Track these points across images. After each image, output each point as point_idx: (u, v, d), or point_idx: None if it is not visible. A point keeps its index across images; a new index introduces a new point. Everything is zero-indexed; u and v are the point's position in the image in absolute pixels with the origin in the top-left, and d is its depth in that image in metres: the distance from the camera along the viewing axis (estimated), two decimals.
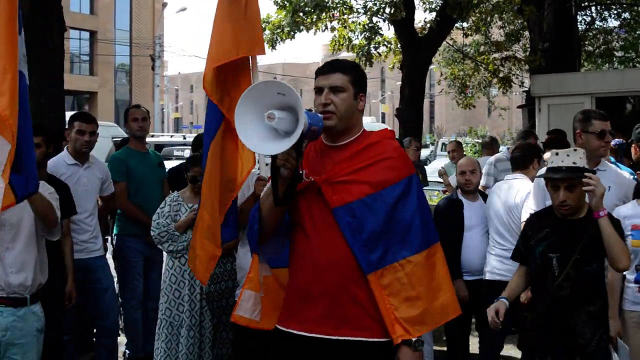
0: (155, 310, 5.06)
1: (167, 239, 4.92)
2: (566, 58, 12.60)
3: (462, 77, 18.06)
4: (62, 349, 4.87)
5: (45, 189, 3.81)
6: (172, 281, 4.89)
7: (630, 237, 3.83)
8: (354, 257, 2.69)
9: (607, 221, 3.38)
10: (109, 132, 14.71)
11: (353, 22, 12.69)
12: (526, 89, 16.35)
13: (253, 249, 2.85)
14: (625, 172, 4.49)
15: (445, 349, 5.63)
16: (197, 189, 5.05)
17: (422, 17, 18.44)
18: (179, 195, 5.09)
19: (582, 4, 16.67)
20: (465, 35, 14.78)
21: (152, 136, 25.17)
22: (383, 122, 54.28)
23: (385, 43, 13.16)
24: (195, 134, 7.21)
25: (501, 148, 11.21)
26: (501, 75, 15.75)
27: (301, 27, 12.14)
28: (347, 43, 12.81)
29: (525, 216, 4.21)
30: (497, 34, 18.50)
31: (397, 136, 10.15)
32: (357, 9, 12.55)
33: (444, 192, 8.87)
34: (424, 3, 14.29)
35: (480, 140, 25.70)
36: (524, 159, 5.23)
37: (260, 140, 2.53)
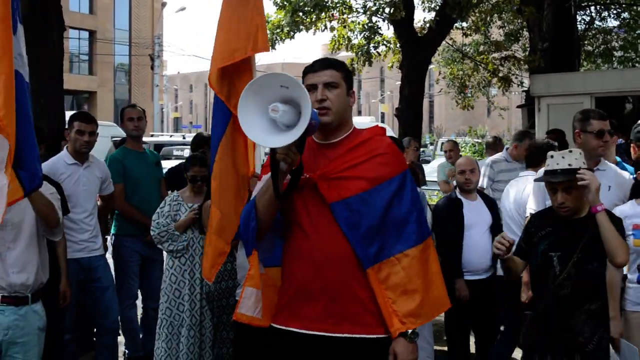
0: (156, 310, 5.06)
1: (167, 239, 4.93)
2: (565, 58, 12.61)
3: (461, 77, 18.07)
4: (62, 348, 4.88)
5: (47, 189, 3.82)
6: (173, 281, 4.89)
7: (631, 236, 3.83)
8: (353, 253, 2.70)
9: (604, 216, 3.38)
10: (108, 132, 14.70)
11: (352, 21, 12.70)
12: (525, 88, 16.37)
13: (251, 246, 2.81)
14: (625, 172, 4.50)
15: (445, 348, 5.63)
16: (197, 189, 5.07)
17: (421, 16, 18.46)
18: (178, 195, 5.09)
19: (582, 4, 16.68)
20: (465, 35, 14.79)
21: (152, 136, 25.22)
22: (382, 121, 54.18)
23: (385, 43, 13.17)
24: (195, 134, 7.19)
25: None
26: (501, 75, 15.76)
27: (301, 27, 12.15)
28: (346, 42, 12.82)
29: (526, 216, 4.22)
30: (496, 33, 18.52)
31: (396, 136, 10.20)
32: (356, 8, 12.57)
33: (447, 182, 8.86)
34: (423, 3, 14.30)
35: (480, 140, 25.73)
36: (536, 156, 5.23)
37: (262, 132, 2.52)
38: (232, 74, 4.00)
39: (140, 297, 6.01)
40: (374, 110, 70.35)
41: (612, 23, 19.58)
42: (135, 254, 5.76)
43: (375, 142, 2.85)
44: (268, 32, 12.15)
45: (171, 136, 27.67)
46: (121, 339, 5.70)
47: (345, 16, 12.47)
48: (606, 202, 3.53)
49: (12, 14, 3.29)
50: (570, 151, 3.54)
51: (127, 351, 5.81)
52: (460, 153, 10.13)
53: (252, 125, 2.52)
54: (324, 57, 2.98)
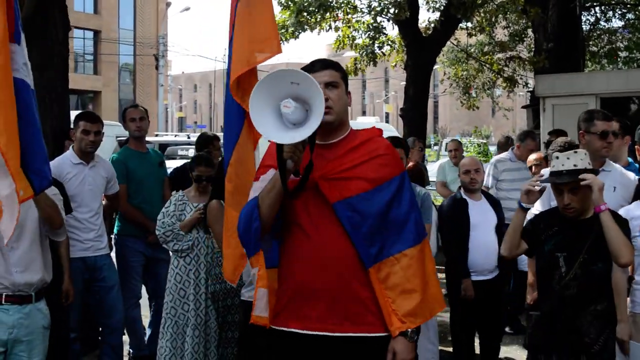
0: None
1: (172, 238, 4.94)
2: (570, 58, 12.60)
3: (465, 77, 18.05)
4: (67, 347, 4.89)
5: (50, 190, 3.83)
6: (178, 280, 4.90)
7: (638, 237, 3.81)
8: (355, 253, 2.71)
9: (608, 215, 3.38)
10: (112, 131, 14.72)
11: (357, 20, 12.69)
12: (530, 89, 16.34)
13: (254, 247, 2.78)
14: (630, 173, 4.48)
15: (450, 349, 5.63)
16: (202, 189, 5.07)
17: (426, 16, 18.43)
18: (184, 195, 5.10)
19: (587, 5, 16.65)
20: (470, 35, 14.77)
21: (156, 135, 25.26)
22: (387, 122, 54.17)
23: (389, 43, 13.16)
24: (199, 133, 7.19)
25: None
26: (505, 75, 15.74)
27: (305, 27, 12.14)
28: (350, 42, 12.82)
29: (530, 217, 4.20)
30: (501, 34, 18.48)
31: (401, 136, 10.19)
32: (361, 8, 12.56)
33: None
34: (428, 3, 14.28)
35: (485, 141, 25.73)
36: None
37: (273, 128, 2.52)
38: (246, 74, 4.00)
39: (147, 296, 6.02)
40: (378, 111, 70.31)
41: (617, 23, 19.59)
42: (138, 254, 5.77)
43: (374, 143, 2.88)
44: None
45: (176, 136, 27.72)
46: (126, 338, 5.71)
47: (349, 16, 12.47)
48: (611, 203, 3.52)
49: (15, 23, 3.36)
50: (576, 152, 3.53)
51: (131, 350, 5.82)
52: (464, 154, 10.13)
53: (263, 121, 2.52)
54: (320, 58, 2.99)
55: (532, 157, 6.43)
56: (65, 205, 4.67)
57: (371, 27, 12.58)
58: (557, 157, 3.52)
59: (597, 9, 18.29)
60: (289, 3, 11.99)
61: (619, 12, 18.63)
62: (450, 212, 5.30)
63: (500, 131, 45.01)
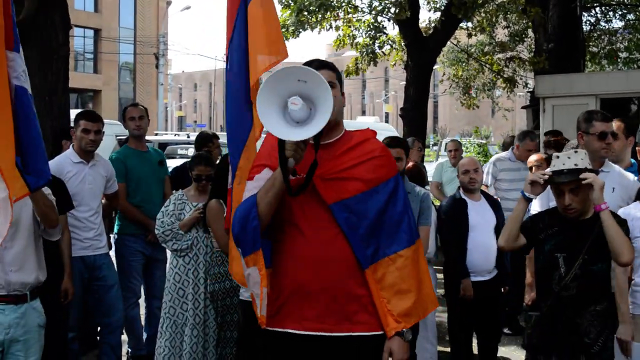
0: (160, 309, 5.07)
1: (171, 238, 4.94)
2: (571, 58, 12.58)
3: (465, 77, 18.05)
4: (66, 347, 4.89)
5: (44, 190, 3.83)
6: (176, 280, 4.90)
7: (638, 238, 3.81)
8: (351, 253, 2.72)
9: (608, 214, 3.38)
10: (112, 130, 14.71)
11: (358, 20, 12.69)
12: (530, 89, 16.34)
13: (252, 247, 2.70)
14: (630, 174, 4.48)
15: (448, 349, 5.63)
16: (202, 188, 5.07)
17: (426, 16, 18.45)
18: (183, 194, 5.10)
19: (587, 5, 16.64)
20: (470, 35, 14.77)
21: (156, 134, 25.25)
22: (387, 121, 54.17)
23: (390, 42, 13.16)
24: (199, 132, 7.19)
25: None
26: (505, 75, 15.74)
27: (306, 26, 12.14)
28: (351, 41, 12.81)
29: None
30: (501, 34, 18.49)
31: (401, 136, 10.18)
32: (361, 8, 12.56)
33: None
34: (428, 3, 14.29)
35: (484, 141, 25.74)
36: None
37: (279, 126, 2.52)
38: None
39: (143, 296, 6.03)
40: (378, 110, 70.29)
41: (618, 24, 19.56)
42: (138, 253, 5.77)
43: (370, 144, 2.90)
44: None
45: (176, 135, 27.72)
46: (125, 337, 5.71)
47: (350, 15, 12.46)
48: (610, 204, 3.52)
49: (13, 32, 3.40)
50: (576, 151, 3.54)
51: (130, 350, 5.82)
52: (464, 154, 10.14)
53: (268, 117, 2.52)
54: (315, 58, 3.00)
55: (533, 158, 6.44)
56: (67, 202, 4.67)
57: (372, 26, 12.58)
58: (558, 157, 3.52)
59: (597, 9, 18.29)
60: (290, 2, 11.98)
61: (620, 13, 18.64)
62: (450, 212, 5.31)
63: (500, 131, 45.04)
